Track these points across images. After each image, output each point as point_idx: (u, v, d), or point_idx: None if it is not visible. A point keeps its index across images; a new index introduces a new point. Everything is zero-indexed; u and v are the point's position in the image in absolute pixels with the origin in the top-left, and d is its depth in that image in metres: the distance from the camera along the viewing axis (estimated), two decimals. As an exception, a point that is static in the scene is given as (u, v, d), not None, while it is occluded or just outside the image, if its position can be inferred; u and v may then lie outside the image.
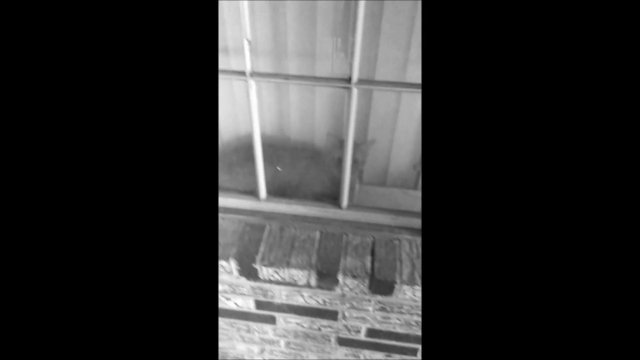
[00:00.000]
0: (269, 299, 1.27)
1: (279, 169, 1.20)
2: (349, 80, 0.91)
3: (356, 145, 0.99)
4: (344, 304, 1.21)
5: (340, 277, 1.07)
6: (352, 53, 0.88)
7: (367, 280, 1.07)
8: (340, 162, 1.23)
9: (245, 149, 1.27)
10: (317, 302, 1.23)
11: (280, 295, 1.23)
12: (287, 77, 0.92)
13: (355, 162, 1.02)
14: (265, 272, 1.11)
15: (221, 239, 1.17)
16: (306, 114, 1.30)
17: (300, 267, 1.08)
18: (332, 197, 1.21)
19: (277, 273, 1.11)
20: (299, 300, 1.24)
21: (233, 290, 1.27)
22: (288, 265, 1.09)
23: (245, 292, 1.27)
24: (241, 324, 1.41)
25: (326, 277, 1.08)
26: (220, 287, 1.27)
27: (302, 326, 1.35)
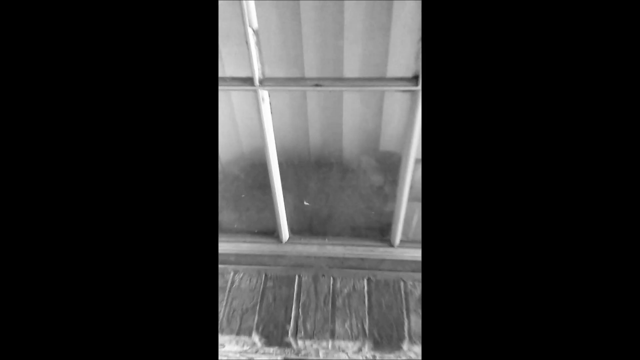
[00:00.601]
0: (301, 357, 1.00)
1: (306, 203, 0.90)
2: (414, 79, 0.60)
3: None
4: (400, 357, 0.95)
5: (405, 346, 0.80)
6: (420, 41, 0.56)
7: (442, 348, 0.79)
8: (380, 189, 0.93)
9: (253, 176, 0.95)
10: (366, 357, 0.97)
11: (317, 355, 0.96)
12: (318, 82, 0.61)
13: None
14: (301, 345, 0.83)
15: (235, 302, 0.88)
16: (329, 126, 0.98)
17: (350, 338, 0.81)
18: (376, 230, 0.91)
19: (318, 344, 0.83)
20: (340, 356, 0.98)
21: (256, 350, 0.99)
22: (332, 335, 0.81)
23: (271, 352, 1.00)
24: (267, 383, 1.15)
25: (386, 347, 0.81)
26: (238, 348, 0.99)
27: (345, 382, 1.09)
